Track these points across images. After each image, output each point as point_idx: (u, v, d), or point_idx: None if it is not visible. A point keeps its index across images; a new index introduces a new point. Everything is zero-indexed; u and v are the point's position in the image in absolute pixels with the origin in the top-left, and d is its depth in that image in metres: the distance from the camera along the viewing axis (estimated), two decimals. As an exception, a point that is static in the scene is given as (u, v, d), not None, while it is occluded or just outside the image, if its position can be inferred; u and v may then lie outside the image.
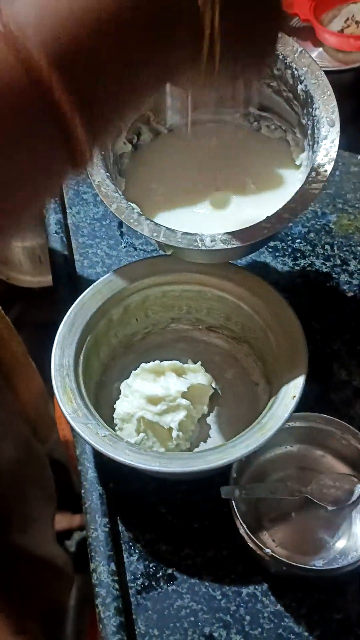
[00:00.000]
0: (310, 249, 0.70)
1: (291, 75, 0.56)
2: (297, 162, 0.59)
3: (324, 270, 0.69)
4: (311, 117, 0.54)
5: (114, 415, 0.57)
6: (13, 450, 0.69)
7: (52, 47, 0.28)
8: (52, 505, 0.80)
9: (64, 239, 0.73)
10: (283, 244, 0.71)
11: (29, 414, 0.79)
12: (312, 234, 0.71)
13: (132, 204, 0.54)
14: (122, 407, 0.57)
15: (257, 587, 0.51)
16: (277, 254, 0.70)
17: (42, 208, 0.32)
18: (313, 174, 0.51)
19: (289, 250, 0.70)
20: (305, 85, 0.54)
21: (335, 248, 0.70)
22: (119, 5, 0.29)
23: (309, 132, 0.55)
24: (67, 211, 0.76)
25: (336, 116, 0.52)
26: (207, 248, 0.50)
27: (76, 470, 0.79)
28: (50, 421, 0.86)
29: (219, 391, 0.60)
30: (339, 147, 0.52)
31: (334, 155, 0.51)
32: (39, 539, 0.74)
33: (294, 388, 0.51)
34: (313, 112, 0.54)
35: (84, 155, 0.30)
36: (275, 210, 0.51)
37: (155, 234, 0.51)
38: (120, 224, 0.74)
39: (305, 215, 0.73)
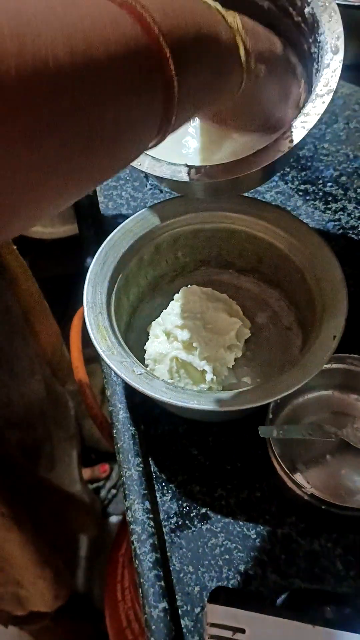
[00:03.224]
0: (342, 192, 0.68)
1: None
2: None
3: (357, 214, 0.67)
4: (317, 44, 0.48)
5: (145, 357, 0.56)
6: (42, 388, 0.68)
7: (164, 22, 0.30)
8: (75, 446, 0.80)
9: (88, 180, 0.70)
10: (314, 187, 0.69)
11: (48, 355, 0.78)
12: (343, 178, 0.69)
13: None
14: (153, 347, 0.56)
15: (292, 527, 0.51)
16: (307, 197, 0.68)
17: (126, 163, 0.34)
18: (309, 106, 0.45)
19: (320, 193, 0.68)
20: (312, 8, 0.48)
21: (367, 192, 0.68)
22: None
23: (316, 61, 0.48)
24: (90, 151, 0.73)
25: (341, 43, 0.46)
26: (192, 180, 0.46)
27: (95, 416, 0.78)
28: (67, 365, 0.85)
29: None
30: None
31: (334, 85, 0.45)
32: (65, 478, 0.75)
33: (335, 329, 0.50)
34: (318, 37, 0.47)
35: (172, 113, 0.32)
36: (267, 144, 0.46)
37: (139, 163, 0.48)
38: (145, 165, 0.72)
39: (336, 158, 0.71)
